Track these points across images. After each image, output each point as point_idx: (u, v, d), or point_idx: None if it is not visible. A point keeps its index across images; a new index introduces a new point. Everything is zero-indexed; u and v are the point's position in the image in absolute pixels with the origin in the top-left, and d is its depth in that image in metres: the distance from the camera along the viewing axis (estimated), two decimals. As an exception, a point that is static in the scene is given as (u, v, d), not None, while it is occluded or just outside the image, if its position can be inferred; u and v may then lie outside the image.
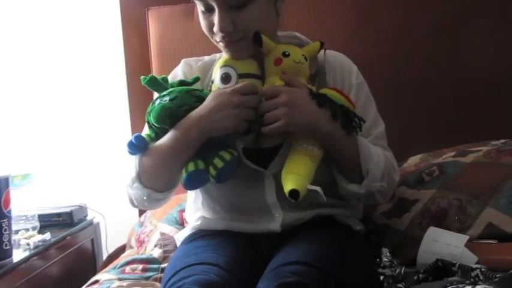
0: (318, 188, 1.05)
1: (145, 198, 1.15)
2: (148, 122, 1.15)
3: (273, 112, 1.06)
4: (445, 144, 1.58)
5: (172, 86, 1.16)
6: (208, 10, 1.11)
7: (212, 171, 1.07)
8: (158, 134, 1.14)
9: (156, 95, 1.19)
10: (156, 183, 1.14)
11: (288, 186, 1.03)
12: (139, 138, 1.13)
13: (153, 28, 1.88)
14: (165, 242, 1.50)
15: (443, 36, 1.71)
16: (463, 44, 1.70)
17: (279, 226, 1.16)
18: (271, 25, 1.17)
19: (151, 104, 1.15)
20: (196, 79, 1.19)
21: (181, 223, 1.57)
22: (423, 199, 1.33)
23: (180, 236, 1.32)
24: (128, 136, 1.89)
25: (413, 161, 1.57)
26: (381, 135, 1.23)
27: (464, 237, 1.16)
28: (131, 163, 1.16)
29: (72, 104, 2.10)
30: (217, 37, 1.13)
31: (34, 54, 2.11)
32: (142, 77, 1.15)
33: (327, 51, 1.23)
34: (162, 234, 1.54)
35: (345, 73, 1.23)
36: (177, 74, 1.29)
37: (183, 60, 1.32)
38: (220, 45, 1.15)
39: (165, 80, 1.17)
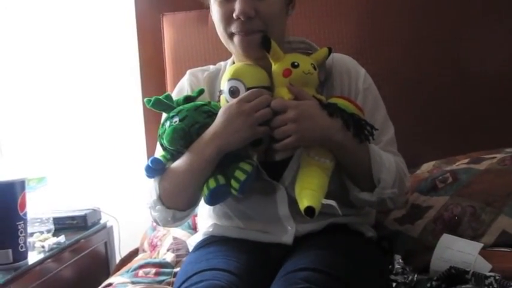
0: (333, 202, 1.05)
1: (169, 219, 1.16)
2: (162, 145, 1.14)
3: (283, 128, 1.05)
4: (458, 151, 1.57)
5: (177, 103, 1.15)
6: None
7: (235, 184, 1.06)
8: (174, 155, 1.14)
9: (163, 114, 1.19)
10: (179, 203, 1.15)
11: (304, 203, 1.01)
12: (156, 161, 1.13)
13: (167, 34, 1.89)
14: (178, 246, 1.51)
15: (456, 40, 1.71)
16: (477, 48, 1.69)
17: (292, 239, 1.15)
18: (283, 25, 1.18)
19: (161, 126, 1.15)
20: (200, 92, 1.18)
21: (193, 228, 1.57)
22: (436, 206, 1.33)
23: (193, 241, 1.32)
24: (142, 141, 1.93)
25: (426, 167, 1.57)
26: (390, 140, 1.22)
27: (478, 245, 1.16)
28: (150, 185, 1.16)
29: (86, 108, 2.12)
30: (235, 26, 1.12)
31: (49, 58, 2.13)
32: (146, 99, 1.15)
33: (333, 54, 1.22)
34: (175, 238, 1.55)
35: (351, 78, 1.22)
36: (183, 86, 1.29)
37: (188, 72, 1.32)
38: (236, 39, 1.13)
39: (169, 98, 1.16)
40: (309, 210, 1.00)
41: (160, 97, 1.14)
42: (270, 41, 1.10)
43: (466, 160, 1.48)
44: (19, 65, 2.14)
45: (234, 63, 1.25)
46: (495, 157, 1.44)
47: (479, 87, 1.69)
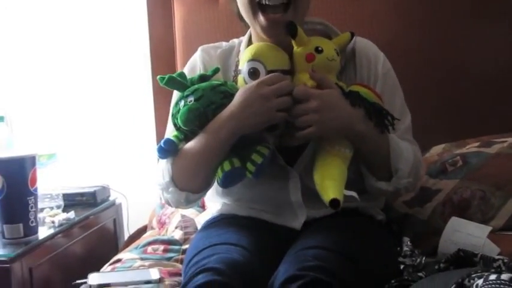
0: (354, 194, 1.04)
1: (182, 201, 1.14)
2: (175, 124, 1.12)
3: (305, 117, 1.03)
4: (469, 135, 1.56)
5: (192, 82, 1.12)
6: None
7: (251, 167, 1.04)
8: (187, 135, 1.12)
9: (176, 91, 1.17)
10: (192, 185, 1.13)
11: (329, 194, 1.00)
12: (169, 142, 1.11)
13: (178, 12, 1.87)
14: (186, 224, 1.52)
15: (471, 23, 1.68)
16: (490, 31, 1.67)
17: (301, 225, 1.15)
18: (308, 2, 1.15)
19: (174, 105, 1.12)
20: (216, 70, 1.15)
21: (202, 205, 1.58)
22: (446, 189, 1.33)
23: (201, 219, 1.33)
24: (151, 119, 1.92)
25: (436, 150, 1.55)
26: (407, 128, 1.21)
27: (487, 228, 1.16)
28: (163, 166, 1.14)
29: (96, 86, 2.12)
30: None
31: (60, 36, 2.12)
32: (159, 77, 1.12)
33: (355, 38, 1.19)
34: (183, 216, 1.56)
35: (371, 63, 1.20)
36: (195, 63, 1.26)
37: (200, 48, 1.28)
38: (261, 18, 1.09)
39: (183, 76, 1.14)
40: (334, 202, 0.99)
41: (174, 75, 1.12)
42: (296, 27, 1.06)
43: (477, 144, 1.47)
44: (35, 48, 2.13)
45: (249, 39, 1.22)
46: (506, 141, 1.43)
47: (493, 70, 1.67)
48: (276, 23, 1.09)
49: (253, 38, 1.21)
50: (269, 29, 1.11)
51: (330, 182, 1.02)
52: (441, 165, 1.41)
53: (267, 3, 1.08)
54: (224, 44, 1.29)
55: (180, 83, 1.12)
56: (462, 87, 1.69)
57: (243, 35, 1.27)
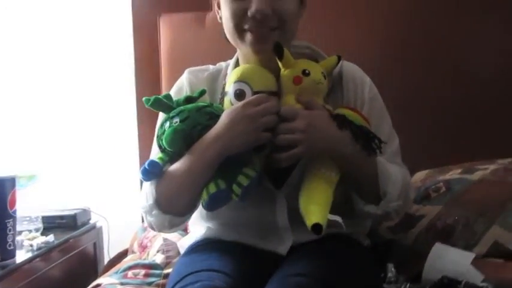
0: (338, 218, 1.03)
1: (166, 224, 1.12)
2: (160, 146, 1.10)
3: (291, 136, 1.02)
4: (450, 161, 1.58)
5: (178, 103, 1.11)
6: None
7: (237, 189, 1.02)
8: (172, 157, 1.10)
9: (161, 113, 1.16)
10: (176, 208, 1.10)
11: (311, 219, 0.98)
12: (153, 164, 1.08)
13: (164, 35, 1.88)
14: (168, 247, 1.50)
15: (453, 50, 1.71)
16: (472, 58, 1.70)
17: (287, 250, 1.13)
18: (296, 26, 1.16)
19: (160, 126, 1.11)
20: (202, 92, 1.14)
21: (185, 229, 1.56)
22: (429, 215, 1.33)
23: (184, 243, 1.31)
24: (134, 141, 1.91)
25: (419, 176, 1.56)
26: (396, 151, 1.21)
27: (471, 255, 1.16)
28: (146, 189, 1.12)
29: (79, 107, 2.11)
30: (249, 23, 1.09)
31: (42, 56, 2.12)
32: (145, 98, 1.11)
33: (341, 62, 1.19)
34: (165, 239, 1.54)
35: (357, 87, 1.20)
36: (182, 85, 1.25)
37: (187, 71, 1.28)
38: (248, 36, 1.10)
39: (169, 98, 1.13)
40: (316, 227, 0.98)
41: (160, 96, 1.11)
42: (282, 48, 1.07)
43: (459, 170, 1.49)
44: (15, 64, 2.13)
45: (236, 63, 1.23)
46: (488, 168, 1.44)
47: (473, 98, 1.70)
48: (263, 37, 1.10)
49: (240, 61, 1.22)
50: (256, 44, 1.11)
51: (314, 207, 1.01)
52: (424, 191, 1.42)
53: (254, 29, 1.09)
54: (211, 67, 1.29)
55: (165, 104, 1.11)
56: (443, 114, 1.71)
57: (230, 58, 1.27)
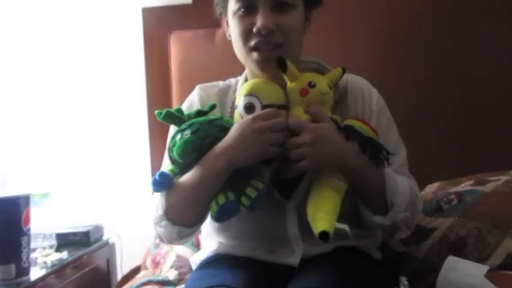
0: (345, 227, 1.04)
1: (175, 235, 1.13)
2: (171, 158, 1.12)
3: (299, 150, 1.03)
4: (462, 172, 1.57)
5: (189, 117, 1.14)
6: (249, 10, 1.12)
7: (245, 201, 1.04)
8: (182, 168, 1.11)
9: (172, 127, 1.18)
10: (185, 219, 1.12)
11: (318, 227, 0.99)
12: (163, 175, 1.10)
13: (174, 52, 1.91)
14: (181, 263, 1.50)
15: (457, 59, 1.71)
16: (479, 68, 1.70)
17: (298, 261, 1.13)
18: (301, 41, 1.18)
19: (171, 139, 1.13)
20: (213, 106, 1.17)
21: (197, 245, 1.57)
22: (441, 227, 1.32)
23: (196, 259, 1.31)
24: (147, 158, 1.93)
25: (430, 188, 1.56)
26: (403, 162, 1.22)
27: (484, 267, 1.15)
28: (156, 200, 1.13)
29: (91, 123, 2.13)
30: (255, 39, 1.11)
31: (54, 73, 2.15)
32: (157, 112, 1.13)
33: (347, 75, 1.22)
34: (178, 256, 1.54)
35: (365, 99, 1.22)
36: (193, 100, 1.28)
37: (198, 86, 1.31)
38: (254, 56, 1.13)
39: (180, 111, 1.15)
40: (323, 235, 0.98)
41: (172, 110, 1.13)
42: (285, 62, 1.09)
43: (471, 182, 1.48)
44: (21, 71, 2.16)
45: (246, 79, 1.25)
46: (500, 179, 1.43)
47: (483, 109, 1.70)
48: (268, 57, 1.12)
49: (249, 77, 1.24)
50: (262, 64, 1.13)
51: (321, 214, 1.02)
52: (436, 203, 1.41)
53: (260, 46, 1.12)
54: (221, 83, 1.32)
55: (177, 117, 1.13)
56: (454, 125, 1.71)
57: (239, 74, 1.30)
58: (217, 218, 1.07)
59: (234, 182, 1.07)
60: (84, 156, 2.13)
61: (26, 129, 2.14)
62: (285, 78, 1.11)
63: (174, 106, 1.85)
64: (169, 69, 1.92)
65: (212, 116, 1.15)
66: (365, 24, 1.77)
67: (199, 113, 1.15)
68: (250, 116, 1.07)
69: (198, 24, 1.85)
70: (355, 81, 1.25)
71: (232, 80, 1.31)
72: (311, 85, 1.09)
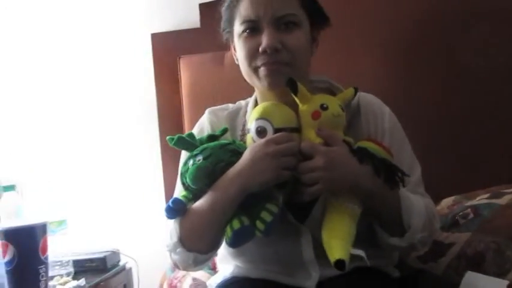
0: (361, 253, 1.02)
1: (191, 262, 1.12)
2: (184, 184, 1.12)
3: (311, 175, 1.02)
4: (476, 186, 1.56)
5: (200, 142, 1.14)
6: (254, 31, 1.13)
7: (260, 225, 1.03)
8: (196, 194, 1.11)
9: (184, 152, 1.18)
10: (200, 245, 1.11)
11: (334, 255, 0.98)
12: (177, 201, 1.10)
13: (184, 76, 1.93)
14: (198, 287, 1.50)
15: (476, 74, 1.71)
16: (494, 82, 1.70)
17: (315, 284, 1.12)
18: (308, 61, 1.19)
19: (183, 164, 1.12)
20: (224, 131, 1.17)
21: (213, 268, 1.56)
22: (459, 242, 1.31)
23: (213, 282, 1.30)
24: (160, 182, 1.94)
25: (446, 203, 1.55)
26: (418, 181, 1.20)
27: (504, 282, 1.13)
28: (170, 227, 1.13)
29: (105, 150, 2.15)
30: (261, 59, 1.12)
31: (69, 100, 2.17)
32: (168, 137, 1.13)
33: (358, 93, 1.19)
34: (194, 279, 1.54)
35: (377, 117, 1.21)
36: (203, 125, 1.28)
37: (207, 110, 1.31)
38: (261, 72, 1.13)
39: (192, 136, 1.15)
40: (340, 263, 0.97)
41: (183, 135, 1.13)
42: (296, 83, 1.08)
43: (486, 195, 1.46)
44: (24, 84, 2.19)
45: (256, 101, 1.25)
46: (516, 191, 1.42)
47: (496, 122, 1.69)
48: (275, 71, 1.12)
49: (259, 99, 1.24)
50: (269, 77, 1.13)
51: (336, 241, 1.00)
52: (452, 218, 1.40)
53: (265, 63, 1.12)
54: (231, 105, 1.32)
55: (189, 142, 1.13)
56: (466, 139, 1.70)
57: (249, 96, 1.30)
58: (232, 244, 1.06)
59: (247, 206, 1.06)
60: (99, 182, 2.14)
61: (40, 156, 2.16)
62: (296, 100, 1.10)
63: (186, 130, 1.88)
64: (180, 93, 1.94)
65: (224, 140, 1.14)
66: (378, 41, 1.77)
67: (211, 138, 1.15)
68: (263, 140, 1.06)
69: (207, 48, 1.87)
70: (366, 99, 1.24)
71: (242, 102, 1.31)
72: (323, 107, 1.07)
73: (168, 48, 1.99)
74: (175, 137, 1.13)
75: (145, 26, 2.07)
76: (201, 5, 1.96)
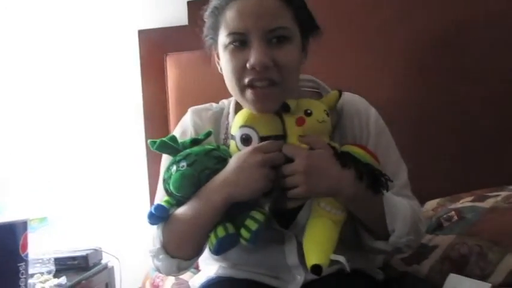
0: (341, 259, 1.01)
1: (174, 268, 1.10)
2: (167, 190, 1.09)
3: (291, 178, 1.01)
4: (460, 189, 1.57)
5: (183, 146, 1.10)
6: (242, 44, 1.05)
7: (245, 234, 1.01)
8: (179, 200, 1.08)
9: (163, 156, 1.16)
10: (183, 252, 1.09)
11: (311, 260, 0.98)
12: (159, 208, 1.07)
13: (171, 73, 1.91)
14: (180, 286, 1.49)
15: (461, 80, 1.73)
16: (480, 88, 1.71)
17: (299, 287, 1.11)
18: (298, 75, 1.13)
19: (166, 170, 1.09)
20: (208, 134, 1.13)
21: (196, 267, 1.55)
22: (442, 245, 1.32)
23: (196, 282, 1.29)
24: (144, 180, 1.92)
25: (430, 205, 1.56)
26: (404, 183, 1.18)
27: (486, 285, 1.14)
28: (153, 233, 1.10)
29: (88, 148, 2.13)
30: (249, 77, 1.04)
31: (53, 96, 2.15)
32: (150, 141, 1.10)
33: (343, 94, 1.14)
34: (177, 278, 1.52)
35: (362, 120, 1.18)
36: (186, 126, 1.24)
37: (190, 110, 1.26)
38: (248, 94, 1.06)
39: (174, 140, 1.11)
40: (316, 268, 0.97)
41: (165, 139, 1.10)
42: (289, 107, 1.05)
43: (470, 198, 1.48)
44: (18, 81, 2.16)
45: (237, 103, 1.21)
46: (499, 195, 1.44)
47: (482, 126, 1.71)
48: (263, 96, 1.06)
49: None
50: (257, 103, 1.06)
51: (314, 247, 1.00)
52: (436, 221, 1.41)
53: (255, 84, 1.05)
54: (214, 105, 1.28)
55: (171, 147, 1.09)
56: (453, 142, 1.72)
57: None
58: (216, 251, 1.04)
59: (233, 213, 1.04)
60: (82, 179, 2.12)
61: (23, 153, 2.13)
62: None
63: (171, 128, 1.86)
64: (166, 91, 1.92)
65: (208, 145, 1.11)
66: (378, 43, 1.79)
67: (194, 142, 1.11)
68: (250, 148, 1.04)
69: (195, 46, 1.85)
70: (351, 101, 1.20)
71: (225, 102, 1.27)
72: (307, 113, 1.05)
73: (155, 46, 1.97)
74: (158, 141, 1.09)
75: (132, 23, 2.05)
76: (190, 3, 1.95)
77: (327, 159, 1.02)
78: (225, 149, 1.12)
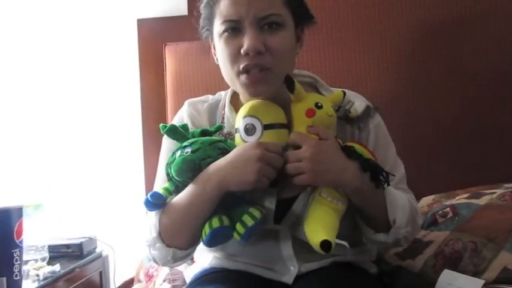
0: (345, 243, 1.02)
1: (169, 258, 1.09)
2: (168, 174, 1.10)
3: (297, 164, 1.01)
4: (456, 185, 1.57)
5: (193, 135, 1.11)
6: (235, 31, 1.07)
7: (240, 229, 1.00)
8: (178, 186, 1.09)
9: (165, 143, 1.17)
10: (179, 241, 1.09)
11: (319, 236, 0.97)
12: (156, 195, 1.08)
13: (169, 63, 1.90)
14: (174, 277, 1.49)
15: (458, 77, 1.73)
16: (476, 85, 1.71)
17: (293, 279, 1.12)
18: (292, 63, 1.15)
19: (171, 154, 1.10)
20: (219, 128, 1.15)
21: (190, 258, 1.55)
22: (437, 241, 1.32)
23: (190, 272, 1.30)
24: (141, 170, 1.92)
25: (425, 201, 1.56)
26: (401, 178, 1.20)
27: (480, 282, 1.15)
28: (150, 222, 1.10)
29: (85, 135, 2.12)
30: (243, 63, 1.06)
31: (51, 83, 2.13)
32: (161, 125, 1.11)
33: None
34: (171, 268, 1.53)
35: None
36: (182, 118, 1.24)
37: (187, 102, 1.27)
38: (242, 79, 1.08)
39: (185, 128, 1.12)
40: (325, 244, 0.96)
41: (177, 125, 1.11)
42: (293, 81, 1.06)
43: (466, 195, 1.48)
44: (16, 74, 2.14)
45: (233, 94, 1.23)
46: (495, 192, 1.44)
47: (478, 123, 1.71)
48: (256, 80, 1.07)
49: (242, 97, 1.20)
50: (250, 87, 1.08)
51: (319, 226, 1.00)
52: (432, 217, 1.41)
53: (250, 70, 1.07)
54: (211, 97, 1.28)
55: (181, 133, 1.11)
56: (449, 139, 1.72)
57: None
58: (208, 243, 1.04)
59: (230, 206, 1.04)
60: (77, 167, 2.11)
61: (18, 139, 2.12)
62: (292, 97, 1.08)
63: (169, 118, 1.86)
64: (164, 81, 1.91)
65: (216, 137, 1.12)
66: (376, 38, 1.79)
67: (204, 133, 1.12)
68: (253, 142, 1.04)
69: (194, 36, 1.84)
70: (350, 97, 1.21)
71: (222, 93, 1.27)
72: (318, 106, 1.06)
73: (154, 35, 1.96)
74: (168, 125, 1.11)
75: (131, 11, 2.04)
76: (189, -7, 1.94)
77: (334, 150, 1.04)
78: (231, 143, 1.12)
